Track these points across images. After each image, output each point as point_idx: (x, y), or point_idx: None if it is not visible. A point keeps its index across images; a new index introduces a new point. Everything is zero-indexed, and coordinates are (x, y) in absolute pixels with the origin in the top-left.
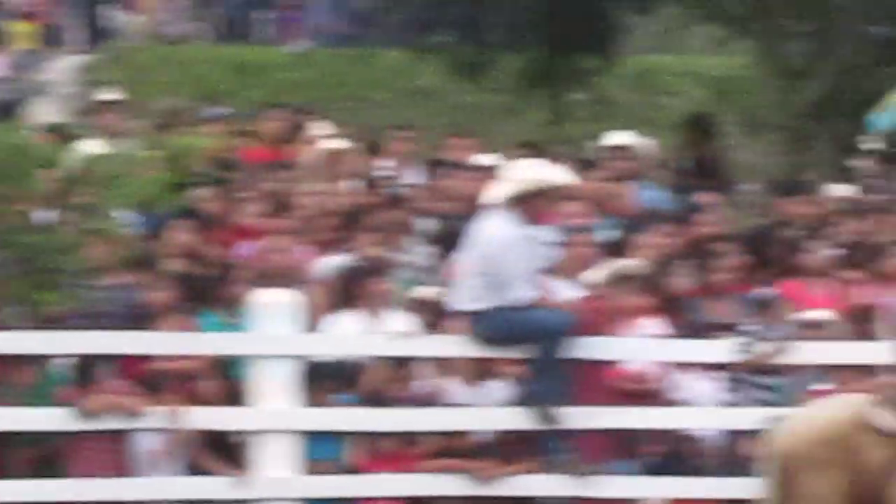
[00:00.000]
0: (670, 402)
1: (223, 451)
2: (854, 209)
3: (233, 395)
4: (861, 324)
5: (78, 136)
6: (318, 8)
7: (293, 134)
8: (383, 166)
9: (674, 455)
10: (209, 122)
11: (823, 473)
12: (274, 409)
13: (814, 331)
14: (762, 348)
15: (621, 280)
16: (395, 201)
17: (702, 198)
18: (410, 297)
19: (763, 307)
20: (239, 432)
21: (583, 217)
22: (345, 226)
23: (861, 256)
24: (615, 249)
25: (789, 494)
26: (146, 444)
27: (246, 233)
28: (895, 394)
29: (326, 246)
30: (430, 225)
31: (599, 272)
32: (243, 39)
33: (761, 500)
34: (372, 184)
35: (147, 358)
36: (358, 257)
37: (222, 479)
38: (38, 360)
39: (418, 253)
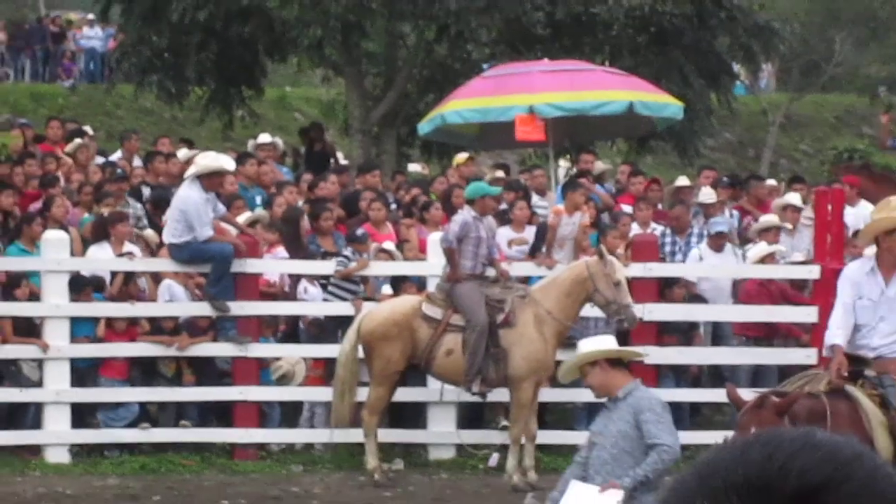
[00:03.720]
0: (293, 298)
1: (30, 331)
2: (412, 182)
3: (33, 295)
4: (410, 252)
5: None
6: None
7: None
8: (119, 157)
9: (296, 331)
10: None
11: (392, 343)
12: (55, 303)
13: (383, 255)
14: (351, 266)
15: (256, 223)
16: (123, 177)
17: (314, 175)
18: (137, 235)
19: (354, 241)
20: (38, 318)
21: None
22: (95, 192)
23: (414, 208)
24: (265, 206)
25: (371, 356)
26: None
27: (35, 196)
28: (441, 294)
29: (84, 206)
30: (148, 191)
31: (245, 218)
32: None
33: (345, 358)
34: (110, 165)
35: None
36: (106, 211)
37: (28, 348)
38: None
39: (136, 207)
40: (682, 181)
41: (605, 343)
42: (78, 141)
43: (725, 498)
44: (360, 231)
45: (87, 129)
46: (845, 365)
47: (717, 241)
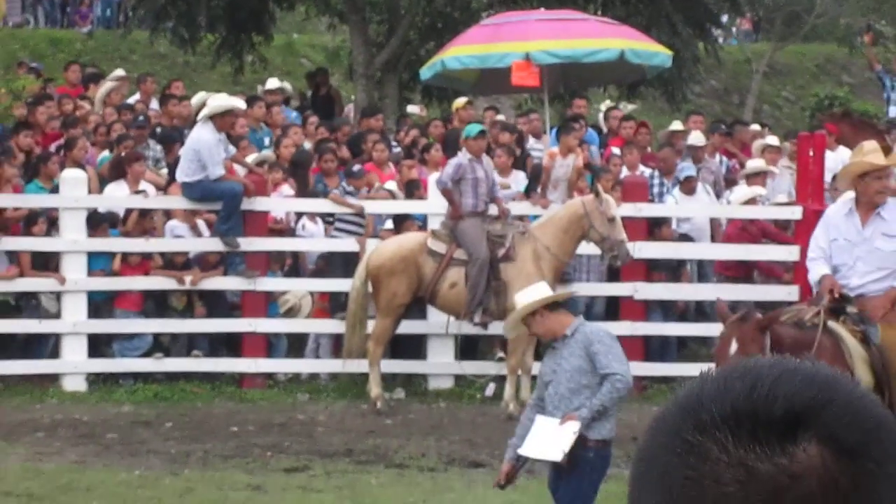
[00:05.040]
0: (297, 235)
1: (47, 266)
2: (414, 124)
3: (50, 231)
4: (412, 191)
5: None
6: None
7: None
8: (136, 99)
9: (295, 266)
10: None
11: (398, 277)
12: (73, 238)
13: (385, 195)
14: (354, 203)
15: (263, 163)
16: (143, 125)
17: (317, 118)
18: (154, 173)
19: (350, 176)
20: (57, 253)
21: (251, 127)
22: (108, 132)
23: (414, 150)
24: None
25: (378, 290)
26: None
27: (55, 136)
28: (445, 231)
29: (100, 146)
30: (164, 132)
31: (253, 158)
32: None
33: (356, 293)
34: (127, 107)
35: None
36: (124, 151)
37: (47, 281)
38: None
39: (155, 149)
40: (676, 126)
41: (540, 291)
42: (110, 84)
43: (715, 429)
44: (356, 167)
45: (121, 71)
46: (838, 287)
47: (688, 186)
